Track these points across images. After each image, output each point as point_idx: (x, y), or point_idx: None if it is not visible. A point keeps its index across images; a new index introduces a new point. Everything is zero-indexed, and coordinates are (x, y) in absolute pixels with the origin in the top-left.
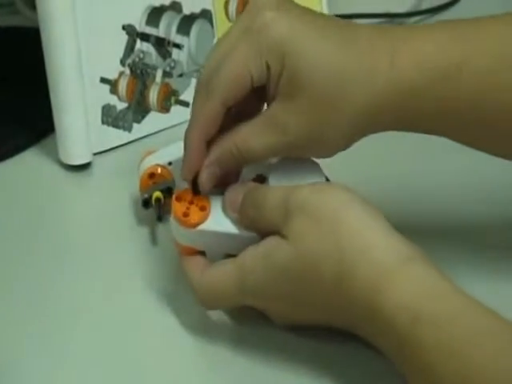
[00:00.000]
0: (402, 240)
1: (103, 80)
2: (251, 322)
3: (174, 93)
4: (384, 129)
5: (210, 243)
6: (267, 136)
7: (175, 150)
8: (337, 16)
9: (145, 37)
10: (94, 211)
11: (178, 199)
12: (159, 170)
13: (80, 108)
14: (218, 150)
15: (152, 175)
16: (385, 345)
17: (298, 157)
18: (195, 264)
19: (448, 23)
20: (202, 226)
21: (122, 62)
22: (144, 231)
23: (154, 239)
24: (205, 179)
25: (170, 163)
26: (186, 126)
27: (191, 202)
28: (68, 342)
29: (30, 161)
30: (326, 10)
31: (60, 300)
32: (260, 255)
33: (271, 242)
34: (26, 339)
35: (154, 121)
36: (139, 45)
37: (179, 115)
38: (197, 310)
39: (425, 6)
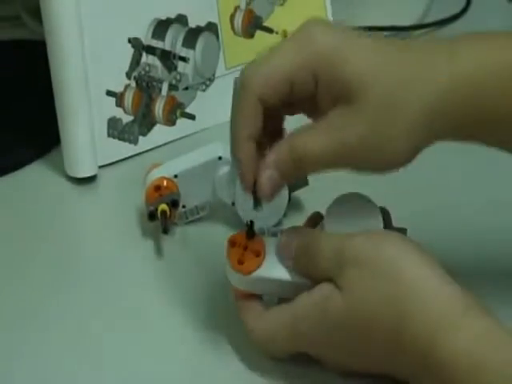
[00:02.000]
0: (458, 289)
1: (109, 93)
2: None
3: (180, 106)
4: (444, 136)
5: (264, 288)
6: (326, 139)
7: (181, 163)
8: None
9: (150, 50)
10: (99, 224)
11: (232, 244)
12: (165, 183)
13: (86, 121)
14: (274, 153)
15: (158, 188)
16: None
17: (357, 168)
18: (251, 309)
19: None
20: (257, 273)
21: (128, 75)
22: (149, 244)
23: (159, 252)
24: (264, 184)
25: (175, 176)
26: (191, 138)
27: (245, 247)
28: (72, 353)
29: (36, 173)
30: None
31: (65, 311)
32: (313, 304)
33: (325, 291)
34: (29, 349)
35: (159, 134)
36: (145, 58)
37: (185, 128)
38: (206, 320)
39: (430, 19)
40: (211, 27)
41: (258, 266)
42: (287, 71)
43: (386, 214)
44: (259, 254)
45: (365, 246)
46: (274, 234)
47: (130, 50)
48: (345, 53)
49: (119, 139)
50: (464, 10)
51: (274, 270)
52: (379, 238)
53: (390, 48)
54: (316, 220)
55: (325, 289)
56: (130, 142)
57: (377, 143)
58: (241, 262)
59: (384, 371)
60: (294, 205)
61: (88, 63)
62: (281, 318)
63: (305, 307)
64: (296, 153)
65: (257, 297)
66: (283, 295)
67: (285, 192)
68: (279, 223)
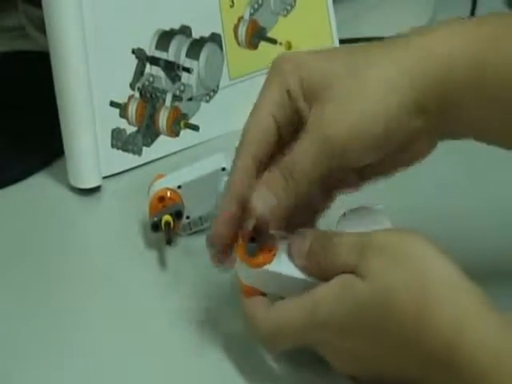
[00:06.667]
0: (478, 286)
1: (113, 104)
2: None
3: (184, 116)
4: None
5: (273, 285)
6: (309, 143)
7: (185, 174)
8: (345, 40)
9: (154, 61)
10: (103, 235)
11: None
12: (169, 194)
13: (90, 132)
14: (264, 176)
15: (161, 199)
16: None
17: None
18: (258, 303)
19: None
20: (268, 267)
21: (132, 86)
22: (153, 255)
23: (162, 262)
24: (255, 202)
25: (179, 187)
26: (195, 149)
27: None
28: (74, 362)
29: (39, 184)
30: (334, 34)
31: (68, 322)
32: (334, 286)
33: (346, 279)
34: (30, 361)
35: (163, 144)
36: (149, 69)
37: (188, 139)
38: (209, 330)
39: None
40: (215, 38)
41: (269, 260)
42: (269, 116)
43: None
44: (271, 250)
45: (391, 237)
46: (285, 237)
47: (133, 61)
48: (304, 66)
49: (123, 150)
50: None
51: (285, 266)
52: (405, 234)
53: (347, 50)
54: None
55: (345, 277)
56: (134, 152)
57: (355, 134)
58: (253, 256)
59: (393, 371)
60: None
61: (92, 74)
62: (296, 304)
63: (324, 289)
64: (285, 168)
65: (263, 295)
66: (289, 293)
67: None
68: None
